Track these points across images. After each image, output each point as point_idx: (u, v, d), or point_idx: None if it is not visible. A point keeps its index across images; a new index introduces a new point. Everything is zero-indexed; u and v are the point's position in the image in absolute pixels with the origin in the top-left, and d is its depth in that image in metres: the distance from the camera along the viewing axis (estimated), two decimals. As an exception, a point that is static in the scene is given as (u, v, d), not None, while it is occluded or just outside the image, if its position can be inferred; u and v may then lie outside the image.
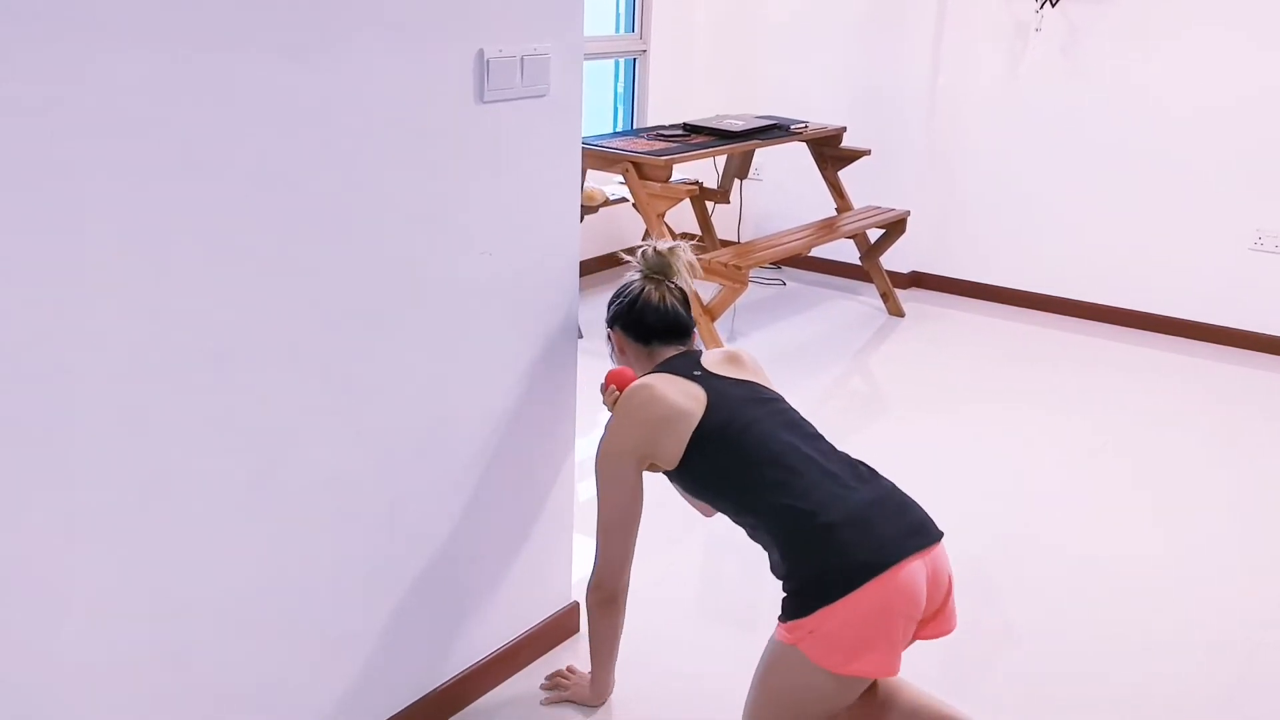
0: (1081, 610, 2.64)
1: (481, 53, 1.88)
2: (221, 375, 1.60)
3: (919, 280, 5.33)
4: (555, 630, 2.40)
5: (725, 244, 5.47)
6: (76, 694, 1.54)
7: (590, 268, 4.93)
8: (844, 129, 4.85)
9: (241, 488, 1.67)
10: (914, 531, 1.77)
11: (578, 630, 2.44)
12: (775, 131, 4.58)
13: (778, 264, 5.64)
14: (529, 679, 2.29)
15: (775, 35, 5.38)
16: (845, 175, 5.00)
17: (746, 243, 4.27)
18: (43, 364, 1.40)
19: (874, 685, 1.94)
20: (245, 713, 1.78)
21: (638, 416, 1.92)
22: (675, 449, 1.89)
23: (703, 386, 1.92)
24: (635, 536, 2.02)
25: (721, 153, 4.37)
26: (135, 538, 1.55)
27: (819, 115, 5.26)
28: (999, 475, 3.35)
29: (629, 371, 2.10)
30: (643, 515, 2.03)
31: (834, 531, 1.73)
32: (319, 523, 1.81)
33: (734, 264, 3.87)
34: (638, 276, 2.09)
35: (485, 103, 1.92)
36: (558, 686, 2.25)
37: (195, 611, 1.66)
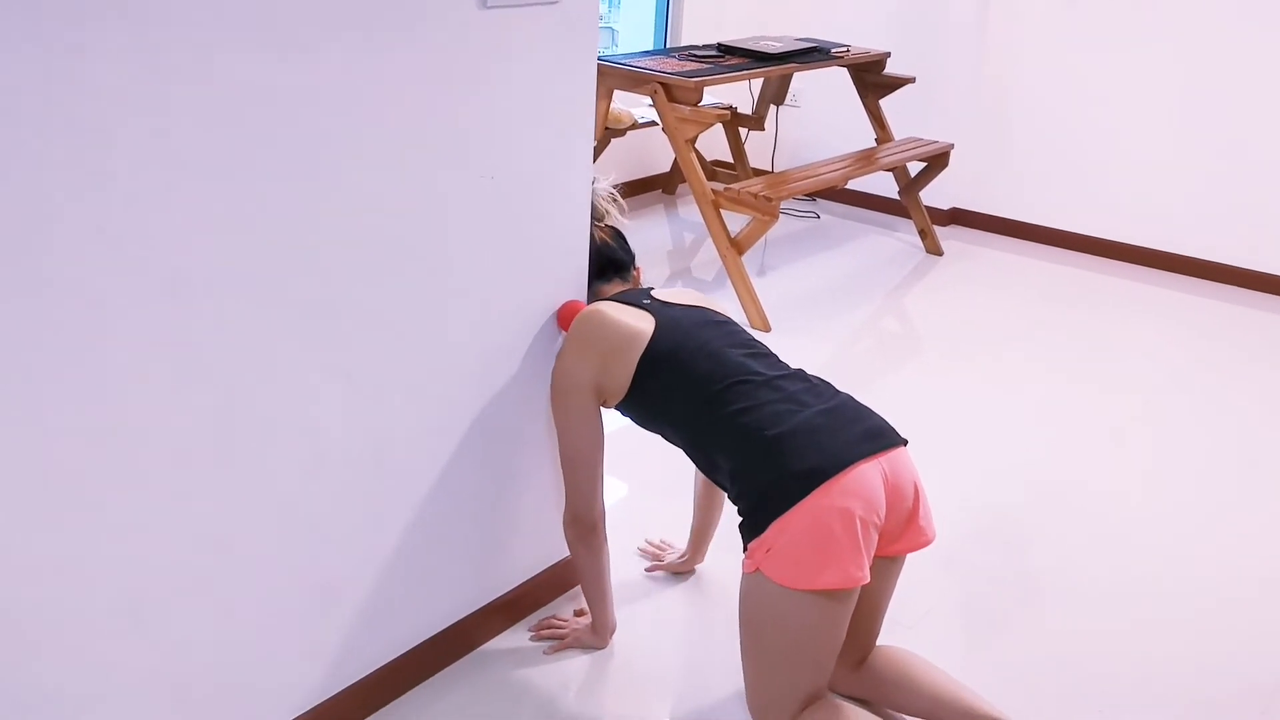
0: (1113, 563, 2.49)
1: (484, -48, 1.70)
2: (183, 305, 1.45)
3: (959, 217, 5.11)
4: (557, 580, 2.27)
5: (758, 173, 5.26)
6: (39, 650, 1.42)
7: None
8: (887, 54, 4.60)
9: (210, 429, 1.54)
10: (867, 437, 1.69)
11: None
12: (814, 55, 4.34)
13: (812, 196, 5.43)
14: (528, 629, 2.18)
15: (819, -47, 5.11)
16: (887, 104, 4.77)
17: (780, 173, 4.06)
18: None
19: (884, 660, 1.82)
20: (231, 661, 1.67)
21: (589, 342, 1.89)
22: (624, 375, 1.85)
23: (651, 313, 1.90)
24: (601, 466, 1.98)
25: (757, 76, 4.14)
26: (93, 484, 1.42)
27: (862, 40, 5.00)
28: (1034, 422, 3.19)
29: (580, 303, 2.07)
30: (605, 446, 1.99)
31: (782, 442, 1.66)
32: (299, 467, 1.68)
33: (764, 195, 3.68)
34: None
35: (488, 8, 1.74)
36: (554, 635, 2.14)
37: (164, 565, 1.53)
